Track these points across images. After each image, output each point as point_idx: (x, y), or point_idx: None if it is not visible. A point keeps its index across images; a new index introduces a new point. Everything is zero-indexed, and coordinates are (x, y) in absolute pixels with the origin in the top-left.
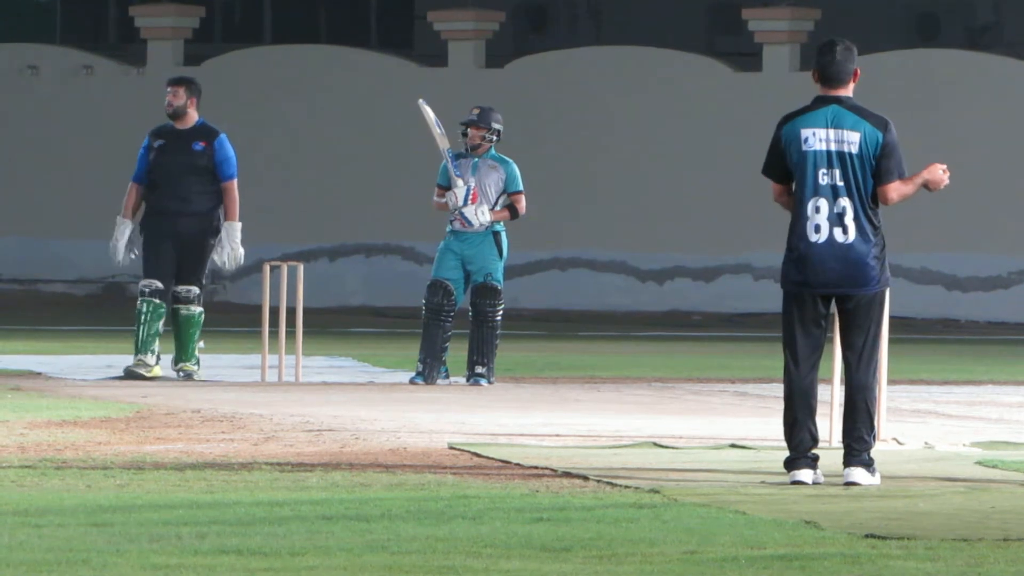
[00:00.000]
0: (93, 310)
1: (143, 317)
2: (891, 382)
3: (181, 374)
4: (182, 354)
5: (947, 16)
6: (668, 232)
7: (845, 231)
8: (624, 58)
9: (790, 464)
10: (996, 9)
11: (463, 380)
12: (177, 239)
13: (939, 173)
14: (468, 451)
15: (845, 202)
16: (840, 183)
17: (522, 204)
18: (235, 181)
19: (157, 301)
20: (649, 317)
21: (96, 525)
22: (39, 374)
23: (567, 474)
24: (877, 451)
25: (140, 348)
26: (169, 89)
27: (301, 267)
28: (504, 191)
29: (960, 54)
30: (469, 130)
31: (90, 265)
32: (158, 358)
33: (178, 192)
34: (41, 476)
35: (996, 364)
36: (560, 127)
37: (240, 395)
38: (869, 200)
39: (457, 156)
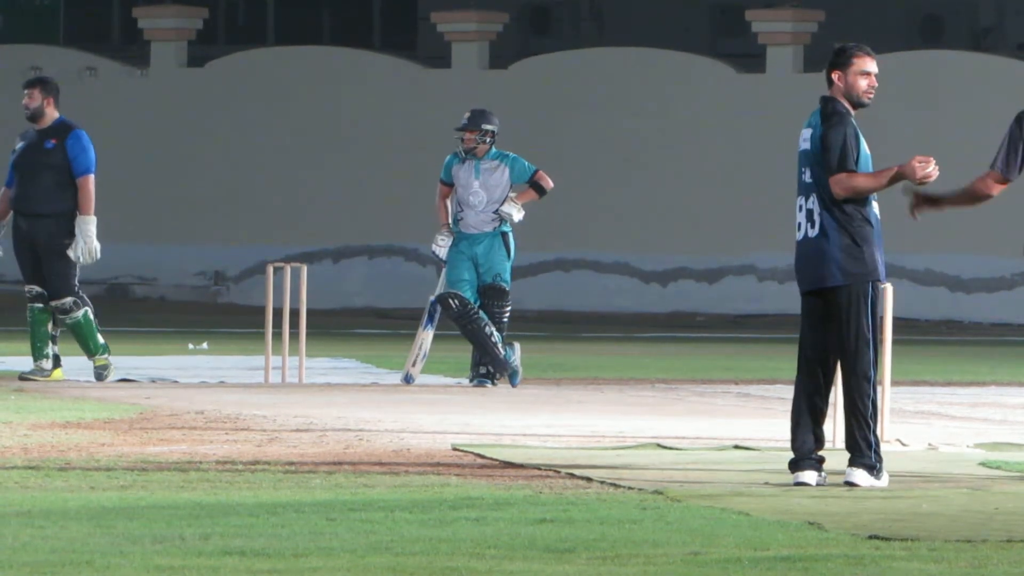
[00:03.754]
0: (95, 311)
1: (30, 324)
2: (895, 383)
3: (95, 371)
4: (87, 353)
5: (951, 18)
6: (672, 233)
7: (813, 226)
8: (627, 59)
9: (794, 465)
10: (1000, 11)
11: (467, 381)
12: (34, 242)
13: (915, 165)
14: (472, 452)
15: (814, 198)
16: (809, 180)
17: (546, 180)
18: (90, 176)
19: (40, 305)
20: (652, 318)
21: (99, 526)
22: None
23: (571, 475)
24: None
25: (34, 354)
26: (25, 92)
27: (304, 268)
28: (513, 183)
29: (964, 55)
30: (464, 135)
31: (91, 266)
32: (56, 360)
33: (32, 193)
34: (45, 477)
35: (1000, 365)
36: (563, 128)
37: (243, 396)
38: (832, 195)
39: (460, 158)
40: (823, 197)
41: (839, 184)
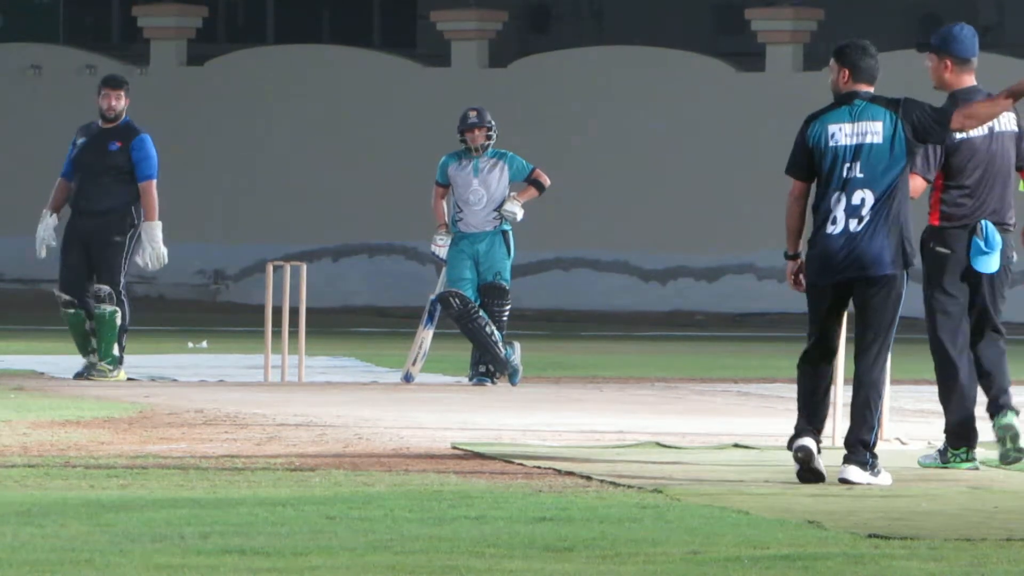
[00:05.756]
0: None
1: (71, 328)
2: (894, 382)
3: (92, 370)
4: (99, 352)
5: (950, 16)
6: (671, 232)
7: (860, 221)
8: (627, 58)
9: (793, 439)
10: (999, 9)
11: (467, 380)
12: (88, 238)
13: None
14: (471, 451)
15: (864, 193)
16: (859, 175)
17: (544, 176)
18: (153, 181)
19: (72, 311)
20: (652, 317)
21: (99, 525)
22: (42, 374)
23: (570, 474)
24: (880, 451)
25: (82, 353)
26: (107, 91)
27: (304, 267)
28: (511, 181)
29: None
30: (475, 132)
31: None
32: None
33: (91, 192)
34: (44, 476)
35: None
36: (563, 127)
37: (243, 395)
38: (889, 189)
39: (458, 158)
40: (880, 191)
41: (962, 116)
